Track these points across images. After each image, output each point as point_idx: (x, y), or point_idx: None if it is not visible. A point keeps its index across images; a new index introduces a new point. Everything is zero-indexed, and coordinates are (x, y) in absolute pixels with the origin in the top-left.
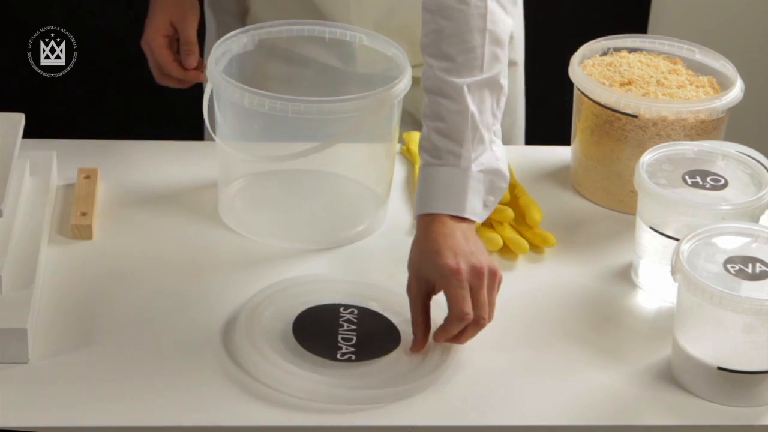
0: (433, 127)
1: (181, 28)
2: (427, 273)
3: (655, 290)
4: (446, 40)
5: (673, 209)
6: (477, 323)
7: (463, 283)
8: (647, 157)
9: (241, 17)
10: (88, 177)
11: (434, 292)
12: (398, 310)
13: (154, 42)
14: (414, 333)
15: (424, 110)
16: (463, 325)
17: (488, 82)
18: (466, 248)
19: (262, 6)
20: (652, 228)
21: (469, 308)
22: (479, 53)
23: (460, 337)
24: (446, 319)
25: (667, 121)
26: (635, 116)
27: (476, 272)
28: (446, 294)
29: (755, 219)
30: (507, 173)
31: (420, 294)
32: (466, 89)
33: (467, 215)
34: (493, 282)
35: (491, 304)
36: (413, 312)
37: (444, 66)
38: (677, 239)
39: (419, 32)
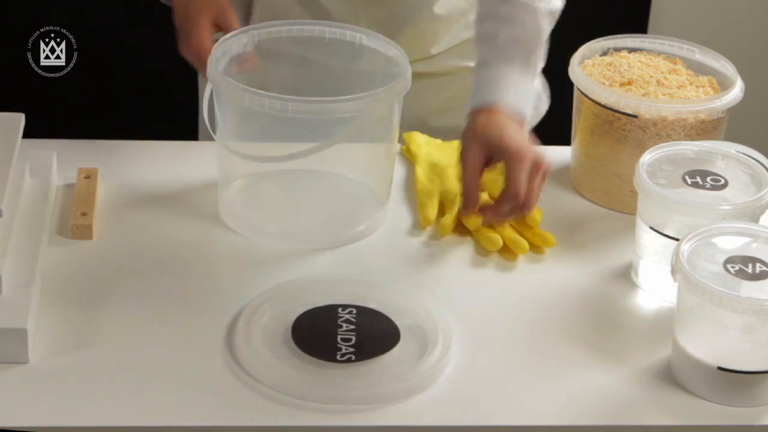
0: (507, 32)
1: (225, 24)
2: (492, 146)
3: (655, 290)
4: None
5: (673, 209)
6: (524, 206)
7: (525, 166)
8: (647, 157)
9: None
10: (88, 177)
11: (489, 164)
12: (398, 309)
13: (203, 47)
14: (466, 197)
15: (487, 14)
16: (512, 205)
17: (552, 13)
18: (525, 140)
19: (265, 15)
20: (652, 228)
21: (523, 191)
22: None
23: (505, 216)
24: (499, 198)
25: (667, 121)
26: (635, 116)
27: (536, 163)
28: (508, 172)
29: (755, 219)
30: (547, 103)
31: (478, 161)
32: (542, 13)
33: (526, 118)
34: (544, 176)
35: (537, 194)
36: (468, 177)
37: None
38: (677, 239)
39: (428, 35)
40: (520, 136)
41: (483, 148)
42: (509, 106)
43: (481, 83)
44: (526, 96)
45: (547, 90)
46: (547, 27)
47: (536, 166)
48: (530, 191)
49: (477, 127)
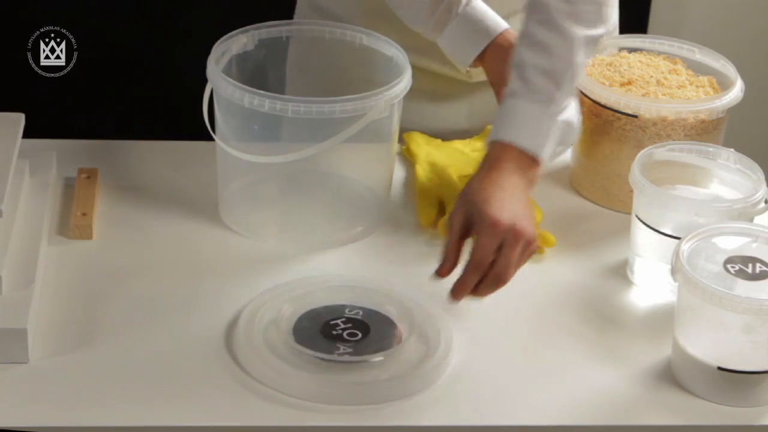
0: (536, 62)
1: None
2: (472, 213)
3: (650, 287)
4: None
5: (665, 206)
6: (497, 279)
7: (496, 235)
8: (643, 154)
9: None
10: (88, 177)
11: (470, 234)
12: (399, 310)
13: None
14: (444, 259)
15: (524, 34)
16: (479, 276)
17: (591, 40)
18: (516, 208)
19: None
20: (645, 224)
21: (488, 259)
22: (602, 8)
23: (477, 289)
24: (465, 267)
25: (667, 121)
26: (635, 116)
27: (515, 232)
28: (477, 240)
29: (749, 219)
30: (578, 129)
31: (461, 226)
32: (578, 42)
33: (541, 157)
34: (525, 250)
35: (516, 267)
36: (450, 238)
37: (565, 9)
38: (672, 236)
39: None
40: (509, 203)
41: (467, 213)
42: (524, 143)
43: (502, 116)
44: (545, 133)
45: (579, 115)
46: (582, 57)
47: (516, 234)
48: (504, 261)
49: (476, 181)
